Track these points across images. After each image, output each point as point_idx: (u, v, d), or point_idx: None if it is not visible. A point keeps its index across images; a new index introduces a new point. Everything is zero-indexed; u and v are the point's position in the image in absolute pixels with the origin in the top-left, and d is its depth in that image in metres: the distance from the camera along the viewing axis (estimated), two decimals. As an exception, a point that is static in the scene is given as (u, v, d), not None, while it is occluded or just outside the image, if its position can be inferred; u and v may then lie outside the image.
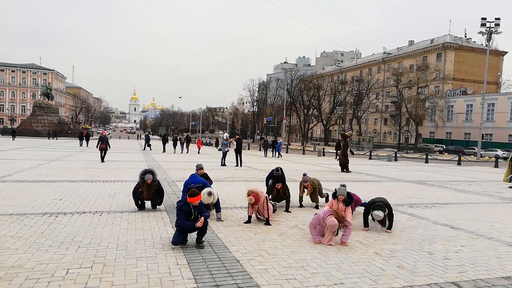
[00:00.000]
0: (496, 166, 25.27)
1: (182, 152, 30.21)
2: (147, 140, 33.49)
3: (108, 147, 18.55)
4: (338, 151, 32.60)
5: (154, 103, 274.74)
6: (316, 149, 40.05)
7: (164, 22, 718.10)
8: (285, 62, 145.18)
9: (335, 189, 6.64)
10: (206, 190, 6.28)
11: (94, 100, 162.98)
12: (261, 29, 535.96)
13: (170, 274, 4.22)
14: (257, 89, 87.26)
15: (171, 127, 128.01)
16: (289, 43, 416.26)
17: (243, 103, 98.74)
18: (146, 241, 5.41)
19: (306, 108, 72.06)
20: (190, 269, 4.38)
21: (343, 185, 6.70)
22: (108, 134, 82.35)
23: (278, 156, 29.43)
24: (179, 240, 5.18)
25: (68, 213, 6.93)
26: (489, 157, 38.65)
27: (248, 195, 6.49)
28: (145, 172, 7.34)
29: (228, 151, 19.44)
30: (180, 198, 7.32)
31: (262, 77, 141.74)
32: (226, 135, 21.17)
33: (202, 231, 5.28)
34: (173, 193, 9.65)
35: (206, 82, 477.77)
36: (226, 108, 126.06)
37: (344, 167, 17.05)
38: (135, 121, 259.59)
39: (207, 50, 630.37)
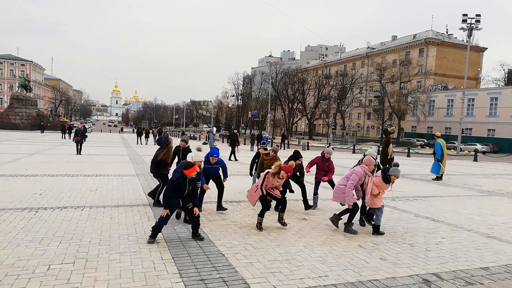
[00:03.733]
0: (475, 160, 25.95)
1: (155, 144, 30.53)
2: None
3: (84, 140, 19.13)
4: (284, 142, 32.74)
5: (137, 95, 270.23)
6: (301, 143, 40.27)
7: (150, 14, 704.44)
8: (269, 56, 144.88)
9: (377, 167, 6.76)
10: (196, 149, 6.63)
11: (74, 93, 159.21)
12: (251, 22, 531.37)
13: (154, 269, 4.19)
14: (241, 83, 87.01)
15: (154, 120, 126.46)
16: (277, 37, 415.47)
17: (227, 96, 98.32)
18: (130, 236, 5.34)
19: (291, 102, 72.21)
20: (175, 264, 4.35)
21: (396, 164, 6.33)
22: (89, 127, 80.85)
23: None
24: (163, 220, 5.16)
25: (48, 208, 6.78)
26: (468, 151, 39.65)
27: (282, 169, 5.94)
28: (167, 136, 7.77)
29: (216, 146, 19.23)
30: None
31: (246, 70, 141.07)
32: (214, 129, 20.99)
33: (195, 223, 5.29)
34: (157, 187, 9.53)
35: (192, 75, 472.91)
36: (210, 101, 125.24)
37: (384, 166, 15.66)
38: (117, 114, 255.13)
39: (193, 43, 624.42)
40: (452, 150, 40.54)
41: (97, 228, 5.68)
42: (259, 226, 6.00)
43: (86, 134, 19.35)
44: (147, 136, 33.60)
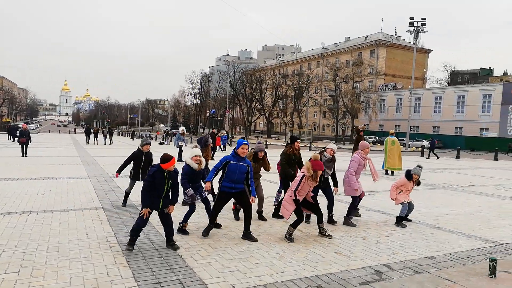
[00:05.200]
0: (422, 155, 27.51)
1: (105, 144, 31.79)
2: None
3: (29, 141, 18.10)
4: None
5: (88, 94, 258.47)
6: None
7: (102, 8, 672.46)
8: (227, 55, 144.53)
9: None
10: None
11: (19, 91, 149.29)
12: (211, 22, 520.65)
13: (107, 274, 4.03)
14: (199, 81, 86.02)
15: (107, 120, 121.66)
16: (236, 36, 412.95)
17: (184, 95, 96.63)
18: (81, 241, 5.10)
19: (249, 101, 72.58)
20: (129, 268, 4.21)
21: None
22: (36, 128, 76.25)
23: (224, 150, 29.33)
24: (142, 222, 4.71)
25: (-11, 215, 6.31)
26: (416, 147, 41.99)
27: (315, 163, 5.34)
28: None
29: (183, 145, 18.62)
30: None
31: (204, 69, 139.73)
32: (182, 128, 20.42)
33: (169, 231, 4.89)
34: (110, 190, 9.19)
35: (149, 74, 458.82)
36: (167, 100, 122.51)
37: None
38: (66, 113, 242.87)
39: (149, 41, 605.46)
40: (401, 146, 42.66)
41: (44, 234, 5.37)
42: (289, 237, 5.41)
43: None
44: (96, 136, 33.24)
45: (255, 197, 5.43)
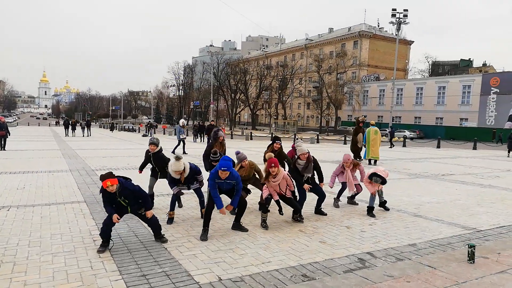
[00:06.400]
0: (404, 145, 28.04)
1: (83, 136, 31.91)
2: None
3: (8, 134, 17.73)
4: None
5: (68, 86, 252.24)
6: (244, 133, 40.50)
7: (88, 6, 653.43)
8: (211, 45, 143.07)
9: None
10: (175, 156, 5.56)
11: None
12: (210, 21, 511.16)
13: (91, 268, 3.99)
14: (182, 72, 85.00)
15: (88, 112, 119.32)
16: (221, 30, 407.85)
17: (167, 86, 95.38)
18: (63, 235, 5.02)
19: (233, 93, 72.18)
20: (114, 261, 4.18)
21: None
22: (14, 121, 74.33)
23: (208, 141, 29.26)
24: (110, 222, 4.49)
25: (-33, 210, 6.14)
26: (398, 138, 42.66)
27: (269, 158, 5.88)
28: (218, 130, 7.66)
29: (185, 138, 18.29)
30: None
31: (187, 60, 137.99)
32: (182, 121, 20.27)
33: (154, 226, 4.84)
34: (92, 183, 9.05)
35: (131, 70, 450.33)
36: (150, 92, 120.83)
37: (356, 154, 15.11)
38: (46, 106, 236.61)
39: (128, 34, 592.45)
40: (383, 137, 43.30)
41: (25, 228, 5.26)
42: (264, 225, 5.66)
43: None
44: (73, 129, 33.32)
45: (233, 206, 5.35)
